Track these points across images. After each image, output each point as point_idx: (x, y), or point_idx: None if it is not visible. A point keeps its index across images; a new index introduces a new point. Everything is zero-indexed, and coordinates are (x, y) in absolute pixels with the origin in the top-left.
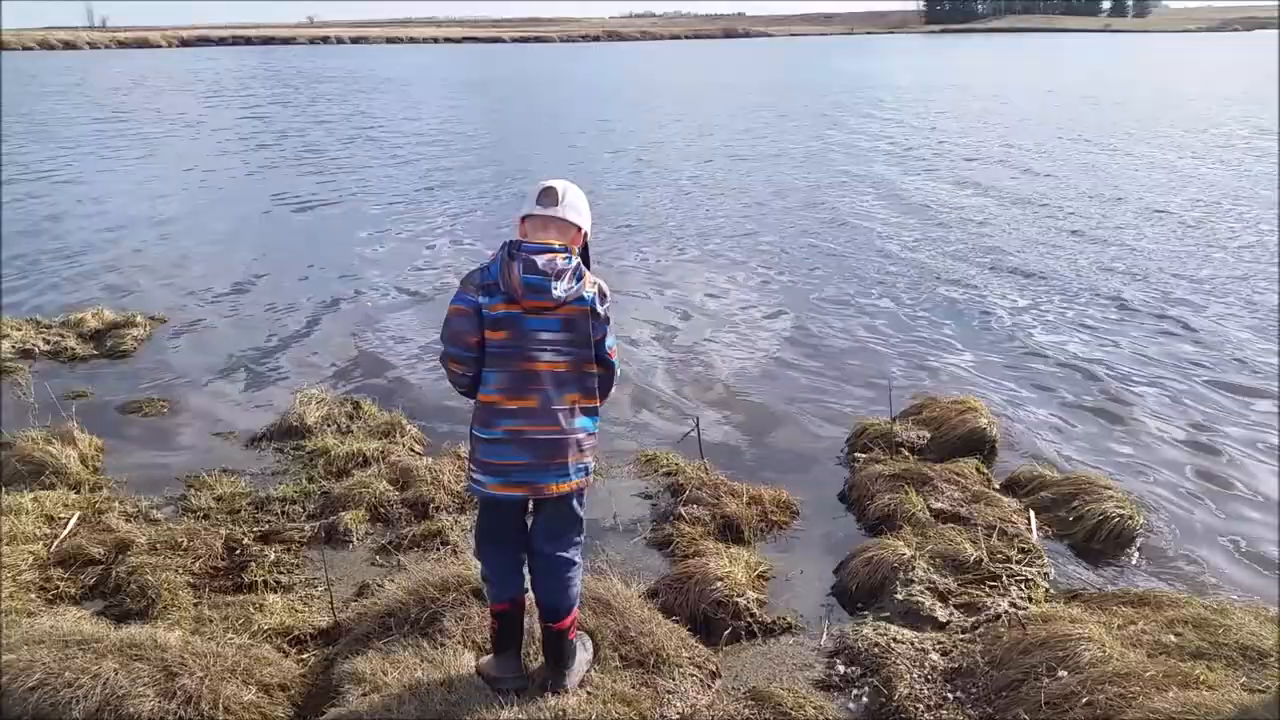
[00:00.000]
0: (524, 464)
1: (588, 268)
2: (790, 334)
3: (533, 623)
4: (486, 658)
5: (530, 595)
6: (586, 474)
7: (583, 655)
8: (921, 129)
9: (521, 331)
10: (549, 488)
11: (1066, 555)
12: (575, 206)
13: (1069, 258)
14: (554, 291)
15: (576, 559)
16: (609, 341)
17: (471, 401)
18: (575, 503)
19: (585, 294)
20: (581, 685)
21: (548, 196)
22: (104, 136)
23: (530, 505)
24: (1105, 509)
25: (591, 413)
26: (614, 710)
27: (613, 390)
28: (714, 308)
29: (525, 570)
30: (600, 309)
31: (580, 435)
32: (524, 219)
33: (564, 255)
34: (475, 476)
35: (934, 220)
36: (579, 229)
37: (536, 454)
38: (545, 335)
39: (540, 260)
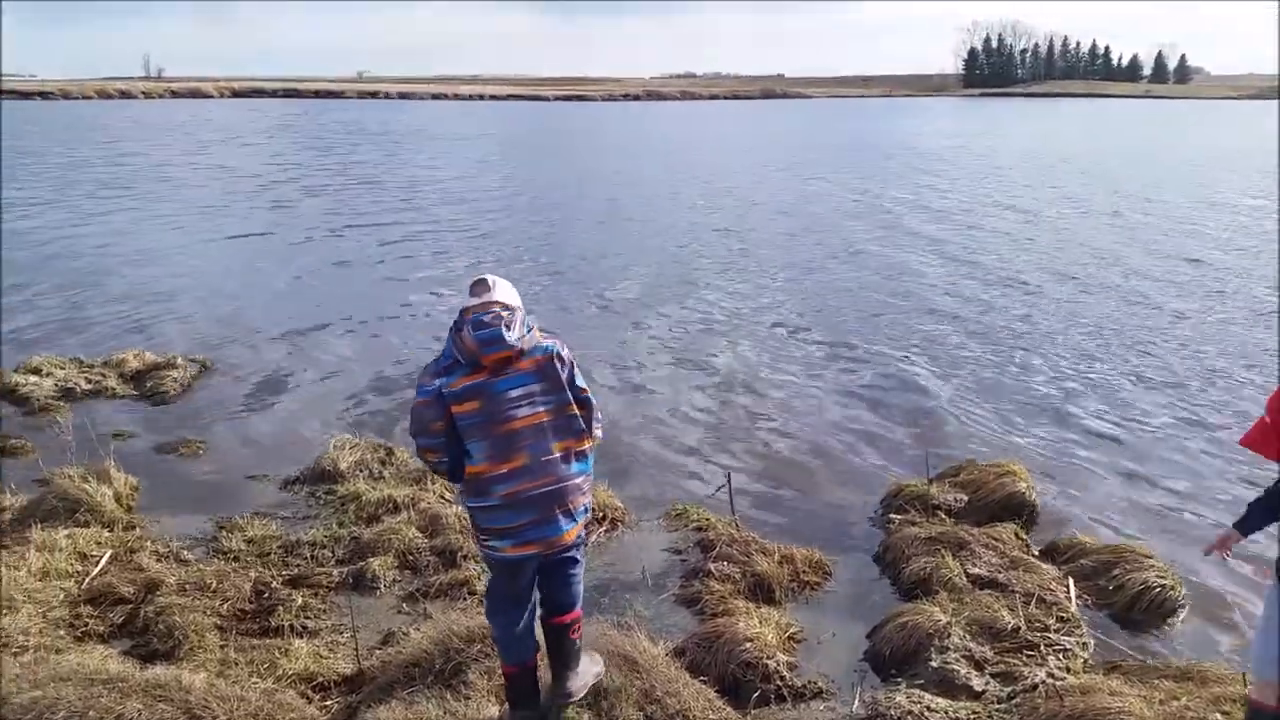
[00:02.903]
0: (529, 522)
1: None
2: (825, 393)
3: (544, 671)
4: (507, 708)
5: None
6: (587, 513)
7: (590, 666)
8: (958, 191)
9: (491, 395)
10: (561, 539)
11: (1106, 625)
12: (506, 291)
13: (1109, 326)
14: (508, 338)
15: (579, 557)
16: (579, 380)
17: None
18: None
19: (544, 343)
20: (585, 690)
21: (480, 287)
22: (147, 181)
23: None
24: (1146, 578)
25: (584, 456)
26: None
27: (601, 423)
28: (748, 366)
29: (536, 633)
30: (564, 354)
31: (578, 480)
32: (463, 312)
33: (505, 309)
34: (489, 544)
35: (974, 288)
36: (515, 309)
37: (538, 509)
38: (515, 392)
39: (486, 316)
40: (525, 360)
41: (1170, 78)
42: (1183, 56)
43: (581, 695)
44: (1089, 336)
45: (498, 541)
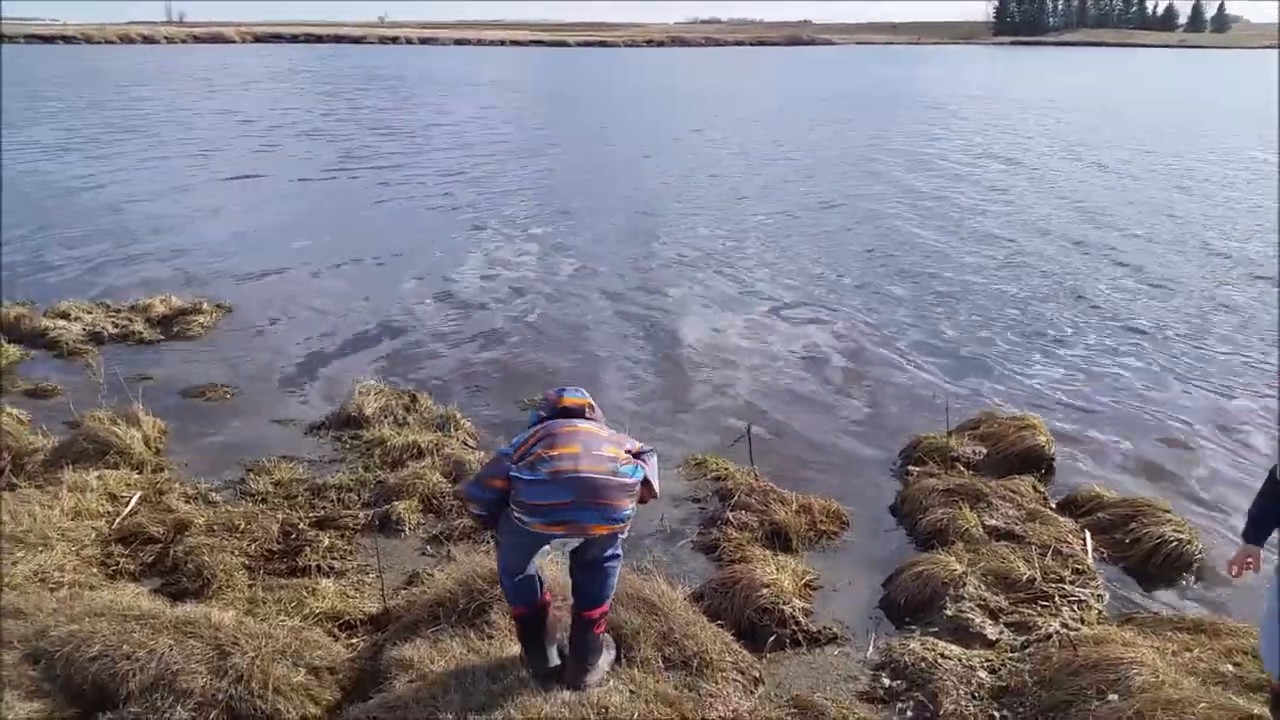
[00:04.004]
0: (567, 503)
1: None
2: (846, 345)
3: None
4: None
5: (549, 592)
6: (626, 521)
7: (606, 655)
8: (974, 143)
9: (556, 422)
10: (591, 528)
11: (1121, 578)
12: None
13: (1129, 280)
14: (585, 394)
15: (619, 553)
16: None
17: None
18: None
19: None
20: (601, 684)
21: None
22: (161, 125)
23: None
24: (1163, 533)
25: (637, 466)
26: (656, 710)
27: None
28: (771, 317)
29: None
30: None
31: (627, 480)
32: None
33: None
34: (519, 516)
35: (997, 238)
36: None
37: (579, 492)
38: (577, 420)
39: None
40: (595, 418)
41: (1207, 26)
42: (1221, 4)
43: (595, 684)
44: (1111, 290)
45: (528, 517)
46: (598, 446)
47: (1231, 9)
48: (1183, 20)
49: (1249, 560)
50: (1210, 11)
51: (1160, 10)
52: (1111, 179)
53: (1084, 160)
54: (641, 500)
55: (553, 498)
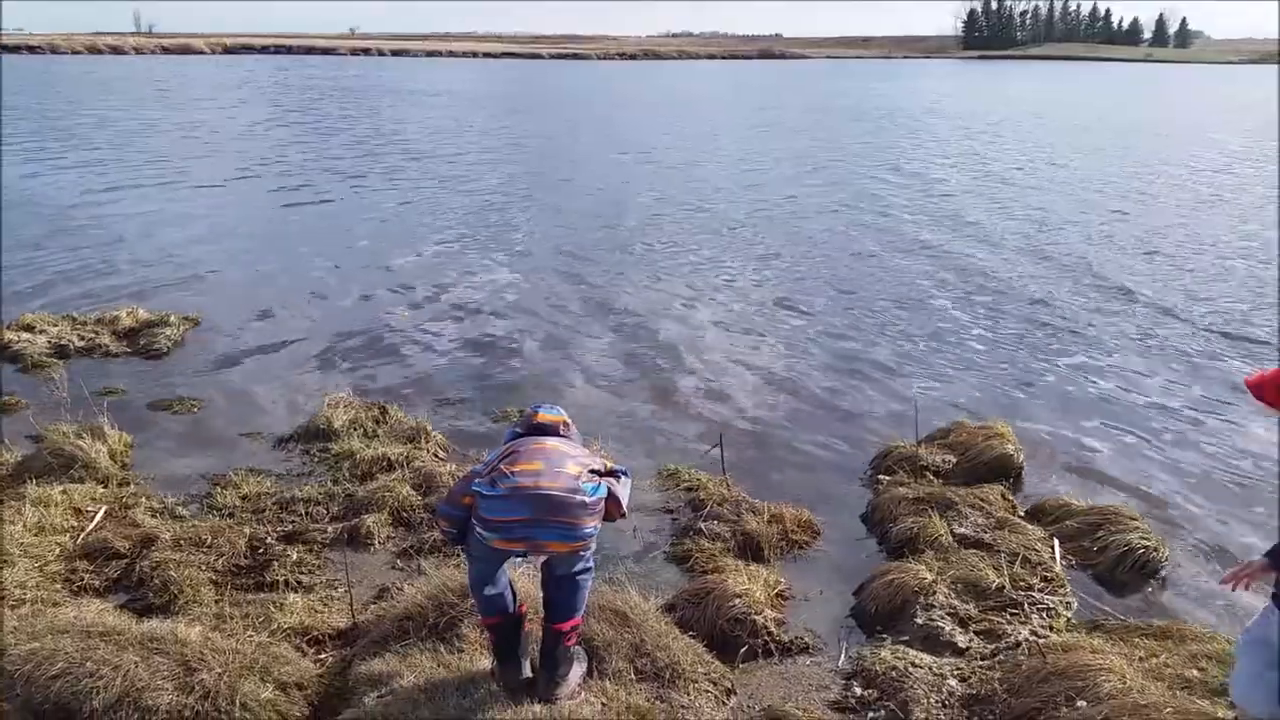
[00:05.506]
0: (524, 519)
1: None
2: (817, 355)
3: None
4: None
5: (524, 604)
6: (588, 539)
7: (578, 669)
8: (957, 153)
9: (525, 439)
10: (549, 545)
11: (1089, 585)
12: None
13: (1095, 288)
14: (561, 411)
15: (590, 566)
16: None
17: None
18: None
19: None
20: (573, 697)
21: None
22: (118, 136)
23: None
24: (1130, 540)
25: (598, 483)
26: None
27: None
28: (741, 327)
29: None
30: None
31: (588, 498)
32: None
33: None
34: (480, 531)
35: (965, 245)
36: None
37: (536, 508)
38: (547, 437)
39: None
40: (565, 435)
41: (1171, 41)
42: (1184, 20)
43: (566, 697)
44: (1079, 300)
45: (488, 533)
46: (561, 464)
47: (1193, 25)
48: (1147, 35)
49: (1247, 575)
50: (1173, 27)
51: (1126, 25)
52: (1089, 188)
53: (1055, 175)
54: (609, 518)
55: (511, 514)
